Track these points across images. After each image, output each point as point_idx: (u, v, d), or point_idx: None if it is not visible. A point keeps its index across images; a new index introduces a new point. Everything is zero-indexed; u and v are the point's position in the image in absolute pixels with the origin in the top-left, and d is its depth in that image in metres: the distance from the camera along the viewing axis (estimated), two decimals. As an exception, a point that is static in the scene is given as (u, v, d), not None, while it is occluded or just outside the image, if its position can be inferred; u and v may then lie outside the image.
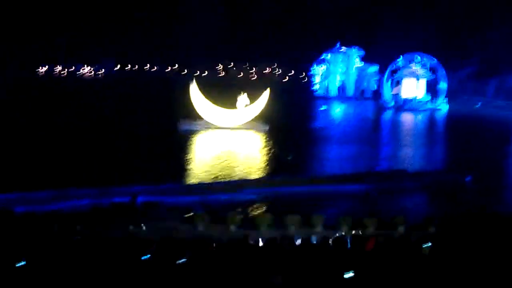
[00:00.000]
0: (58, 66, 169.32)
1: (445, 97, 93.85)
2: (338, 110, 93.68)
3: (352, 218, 23.15)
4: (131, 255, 13.96)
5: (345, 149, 52.26)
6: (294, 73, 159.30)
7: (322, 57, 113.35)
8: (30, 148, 46.07)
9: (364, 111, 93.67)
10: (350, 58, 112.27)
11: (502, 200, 35.08)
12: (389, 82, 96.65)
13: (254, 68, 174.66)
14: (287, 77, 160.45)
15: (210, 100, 61.10)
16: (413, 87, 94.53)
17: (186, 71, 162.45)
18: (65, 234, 15.32)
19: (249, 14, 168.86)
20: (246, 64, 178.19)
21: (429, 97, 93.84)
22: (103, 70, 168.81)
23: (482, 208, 29.86)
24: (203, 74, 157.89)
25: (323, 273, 13.41)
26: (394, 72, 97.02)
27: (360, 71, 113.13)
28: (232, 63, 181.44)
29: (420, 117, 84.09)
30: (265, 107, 61.28)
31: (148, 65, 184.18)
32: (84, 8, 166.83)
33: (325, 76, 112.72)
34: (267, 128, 60.07)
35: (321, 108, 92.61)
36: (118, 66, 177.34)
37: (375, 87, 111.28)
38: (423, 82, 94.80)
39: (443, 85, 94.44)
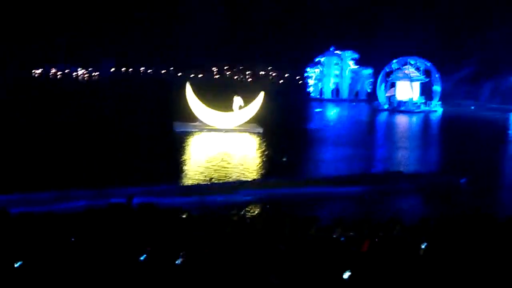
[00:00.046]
0: (53, 69, 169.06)
1: (439, 99, 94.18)
2: (333, 112, 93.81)
3: (347, 220, 23.20)
4: (127, 256, 13.96)
5: (340, 151, 52.37)
6: (289, 75, 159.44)
7: (316, 60, 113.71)
8: (25, 149, 46.02)
9: (358, 113, 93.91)
10: (344, 60, 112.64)
11: (496, 202, 35.23)
12: (383, 85, 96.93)
13: (249, 70, 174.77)
14: (282, 80, 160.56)
15: (205, 103, 61.25)
16: (407, 90, 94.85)
17: (181, 73, 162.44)
18: (61, 235, 15.28)
19: (246, 16, 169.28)
20: (241, 66, 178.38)
21: (423, 100, 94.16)
22: (98, 72, 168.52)
23: (476, 209, 29.94)
24: (198, 76, 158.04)
25: (319, 273, 13.43)
26: (388, 74, 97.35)
27: (355, 73, 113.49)
28: (227, 65, 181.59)
29: (414, 119, 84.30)
30: (260, 109, 61.50)
31: (144, 67, 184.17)
32: (81, 9, 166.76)
33: (319, 79, 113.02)
34: (262, 130, 60.26)
35: (316, 110, 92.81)
36: (113, 68, 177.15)
37: (369, 89, 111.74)
38: (417, 85, 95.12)
39: (437, 88, 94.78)
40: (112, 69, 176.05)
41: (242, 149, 53.56)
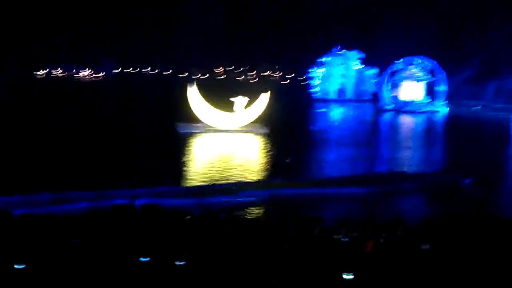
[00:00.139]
0: (58, 69, 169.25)
1: (445, 99, 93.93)
2: (337, 113, 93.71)
3: (351, 221, 23.15)
4: (130, 257, 13.95)
5: (344, 151, 52.28)
6: (293, 75, 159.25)
7: (321, 60, 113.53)
8: (28, 151, 46.07)
9: (363, 113, 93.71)
10: (349, 60, 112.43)
11: (501, 202, 35.10)
12: (389, 85, 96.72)
13: (254, 71, 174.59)
14: (287, 80, 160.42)
15: (210, 103, 61.11)
16: (412, 90, 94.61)
17: (185, 73, 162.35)
18: (65, 236, 15.29)
19: (249, 16, 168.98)
20: (246, 67, 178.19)
21: (429, 100, 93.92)
22: (102, 72, 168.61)
23: (481, 209, 29.85)
24: (203, 76, 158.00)
25: (322, 274, 13.41)
26: (393, 74, 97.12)
27: (360, 73, 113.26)
28: (232, 66, 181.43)
29: (419, 119, 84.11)
30: (265, 110, 61.30)
31: (146, 68, 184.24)
32: (81, 8, 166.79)
33: (324, 79, 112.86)
34: (266, 130, 60.09)
35: (320, 111, 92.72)
36: (118, 69, 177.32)
37: (374, 89, 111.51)
38: (422, 85, 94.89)
39: (442, 88, 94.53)
40: (114, 70, 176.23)
41: (246, 149, 53.48)
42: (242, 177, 39.58)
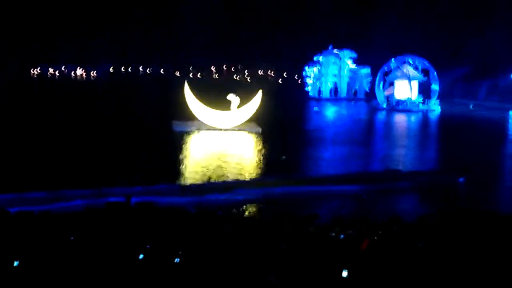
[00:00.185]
0: (51, 68, 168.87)
1: (437, 98, 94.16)
2: (331, 111, 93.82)
3: (346, 219, 23.21)
4: (126, 255, 13.97)
5: (338, 149, 52.39)
6: (288, 74, 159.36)
7: (314, 59, 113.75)
8: (23, 149, 46.00)
9: (357, 112, 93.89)
10: (342, 60, 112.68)
11: (495, 199, 35.29)
12: (382, 84, 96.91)
13: (248, 70, 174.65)
14: (281, 79, 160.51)
15: (204, 102, 61.26)
16: (405, 89, 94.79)
17: (180, 72, 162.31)
18: (60, 234, 15.30)
19: (244, 16, 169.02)
20: (240, 66, 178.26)
21: (422, 99, 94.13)
22: (95, 72, 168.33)
23: (475, 207, 30.00)
24: (198, 75, 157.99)
25: (317, 272, 13.45)
26: (386, 74, 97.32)
27: (353, 72, 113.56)
28: (226, 65, 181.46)
29: (413, 118, 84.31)
30: (258, 109, 61.51)
31: (143, 66, 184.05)
32: (80, 7, 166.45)
33: (317, 78, 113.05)
34: (260, 129, 60.29)
35: (314, 109, 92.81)
36: (112, 68, 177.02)
37: (368, 88, 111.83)
38: (415, 84, 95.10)
39: (435, 87, 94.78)
40: (109, 69, 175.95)
41: (240, 148, 53.56)
42: (237, 175, 39.63)
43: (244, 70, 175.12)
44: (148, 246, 14.58)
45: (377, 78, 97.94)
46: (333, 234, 17.63)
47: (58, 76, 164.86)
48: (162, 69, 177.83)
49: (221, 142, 55.19)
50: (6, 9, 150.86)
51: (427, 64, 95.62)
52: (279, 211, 27.34)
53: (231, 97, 60.89)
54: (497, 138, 63.07)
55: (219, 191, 33.39)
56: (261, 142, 54.52)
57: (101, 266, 13.36)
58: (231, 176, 39.44)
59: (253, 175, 40.27)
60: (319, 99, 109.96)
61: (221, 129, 59.89)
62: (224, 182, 36.98)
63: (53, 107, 79.71)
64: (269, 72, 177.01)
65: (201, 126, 60.37)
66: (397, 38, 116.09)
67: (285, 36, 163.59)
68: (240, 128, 60.69)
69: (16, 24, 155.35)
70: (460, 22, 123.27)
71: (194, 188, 34.65)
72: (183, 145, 52.46)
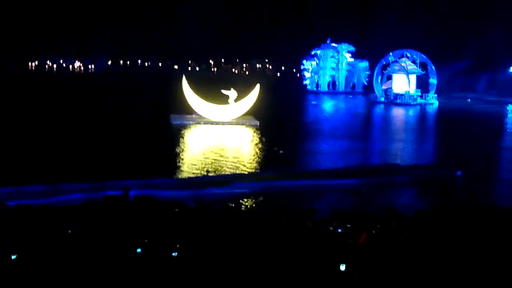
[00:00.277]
0: (49, 61, 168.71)
1: (435, 92, 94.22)
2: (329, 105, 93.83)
3: (344, 212, 23.21)
4: (124, 248, 13.97)
5: (336, 143, 52.36)
6: (286, 68, 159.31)
7: (312, 53, 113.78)
8: (21, 142, 45.94)
9: (355, 105, 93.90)
10: (340, 53, 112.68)
11: (493, 192, 35.31)
12: (380, 78, 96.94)
13: (246, 63, 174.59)
14: (279, 72, 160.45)
15: (202, 96, 61.29)
16: (403, 82, 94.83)
17: (179, 65, 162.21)
18: (59, 227, 15.28)
19: (243, 9, 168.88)
20: (239, 59, 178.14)
21: (420, 92, 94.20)
22: (93, 65, 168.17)
23: (473, 200, 30.04)
24: (196, 69, 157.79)
25: (315, 266, 13.45)
26: (384, 67, 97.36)
27: (351, 66, 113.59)
28: (225, 59, 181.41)
29: (411, 112, 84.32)
30: (256, 102, 61.52)
31: (141, 60, 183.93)
32: (80, 8, 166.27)
33: (315, 71, 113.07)
34: (258, 123, 60.30)
35: (312, 103, 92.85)
36: (111, 61, 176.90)
37: (366, 82, 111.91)
38: (413, 77, 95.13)
39: (433, 81, 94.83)
40: (107, 62, 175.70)
41: (238, 142, 53.53)
42: (234, 169, 39.62)
43: (242, 64, 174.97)
44: (146, 240, 14.57)
45: (375, 72, 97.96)
46: (331, 228, 17.61)
47: (56, 69, 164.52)
48: (160, 63, 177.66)
49: (219, 135, 55.17)
50: (6, 9, 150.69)
51: (425, 58, 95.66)
52: (277, 205, 27.37)
53: (227, 92, 60.96)
54: (495, 131, 63.12)
55: (217, 185, 33.37)
56: (259, 135, 54.50)
57: (99, 259, 13.36)
58: (228, 170, 39.43)
59: (251, 169, 40.25)
60: (317, 93, 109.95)
61: (219, 123, 59.88)
62: (222, 175, 36.97)
63: (50, 101, 79.54)
64: (267, 66, 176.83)
65: (199, 120, 60.38)
66: (396, 31, 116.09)
67: (283, 30, 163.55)
68: (238, 121, 60.72)
69: (16, 24, 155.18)
70: (460, 16, 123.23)
71: (192, 182, 34.63)
72: (181, 139, 52.44)
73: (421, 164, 42.47)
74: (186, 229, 15.60)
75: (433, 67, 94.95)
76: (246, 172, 38.76)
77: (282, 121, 65.83)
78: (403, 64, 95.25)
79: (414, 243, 15.06)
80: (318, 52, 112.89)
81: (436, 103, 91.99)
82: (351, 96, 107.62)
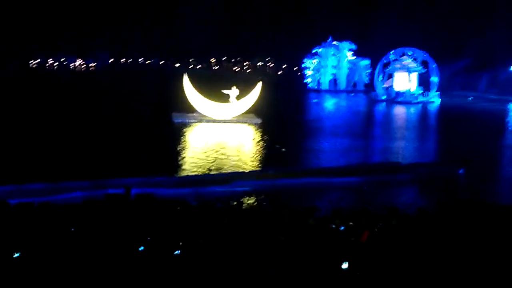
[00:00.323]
0: (50, 60, 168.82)
1: (437, 90, 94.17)
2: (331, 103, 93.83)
3: (346, 210, 23.20)
4: (126, 246, 13.96)
5: (338, 141, 52.32)
6: (287, 66, 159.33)
7: (314, 51, 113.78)
8: (23, 140, 45.95)
9: (356, 104, 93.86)
10: (342, 51, 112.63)
11: (494, 190, 35.28)
12: (381, 76, 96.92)
13: (248, 62, 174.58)
14: (280, 71, 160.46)
15: (203, 94, 61.29)
16: (405, 80, 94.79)
17: (180, 63, 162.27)
18: (61, 225, 15.28)
19: (244, 8, 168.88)
20: (240, 57, 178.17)
21: (421, 90, 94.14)
22: (94, 63, 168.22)
23: (475, 198, 30.01)
24: (197, 67, 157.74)
25: (317, 264, 13.44)
26: (386, 65, 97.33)
27: (352, 64, 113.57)
28: (226, 57, 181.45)
29: (412, 110, 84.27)
30: (258, 100, 61.53)
31: (142, 58, 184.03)
32: (80, 8, 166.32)
33: (317, 70, 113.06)
34: (259, 121, 60.32)
35: (314, 101, 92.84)
36: (112, 59, 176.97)
37: (367, 80, 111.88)
38: (414, 75, 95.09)
39: (434, 79, 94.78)
40: (108, 60, 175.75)
41: (240, 140, 53.51)
42: (236, 167, 39.61)
43: (243, 62, 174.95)
44: (148, 238, 14.56)
45: (377, 70, 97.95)
46: (333, 226, 17.60)
47: (57, 67, 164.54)
48: (161, 61, 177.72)
49: (221, 134, 55.15)
50: (6, 9, 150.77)
51: (426, 56, 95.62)
52: (279, 203, 27.36)
53: (228, 91, 61.00)
54: (497, 130, 63.06)
55: (219, 183, 33.35)
56: (261, 134, 54.49)
57: (101, 258, 13.35)
58: (230, 168, 39.41)
59: (253, 167, 40.23)
60: (318, 91, 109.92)
61: (220, 121, 59.87)
62: (223, 174, 36.94)
63: (51, 99, 79.56)
64: (268, 64, 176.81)
65: (201, 118, 60.39)
66: (396, 29, 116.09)
67: (284, 30, 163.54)
68: (239, 119, 60.71)
69: (16, 24, 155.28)
70: (461, 14, 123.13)
71: (194, 180, 34.61)
72: (183, 137, 52.43)
73: (422, 162, 42.41)
74: (188, 228, 15.59)
75: (435, 65, 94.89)
76: (247, 170, 38.74)
77: (283, 119, 65.82)
78: (404, 62, 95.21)
79: (416, 241, 15.04)
80: (320, 50, 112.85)
81: (437, 101, 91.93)
82: (352, 94, 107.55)
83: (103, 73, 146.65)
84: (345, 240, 15.39)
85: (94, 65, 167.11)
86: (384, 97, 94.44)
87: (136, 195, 21.90)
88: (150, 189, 28.76)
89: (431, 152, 50.60)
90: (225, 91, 61.03)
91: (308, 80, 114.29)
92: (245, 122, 60.25)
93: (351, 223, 17.81)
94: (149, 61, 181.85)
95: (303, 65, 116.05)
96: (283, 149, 45.99)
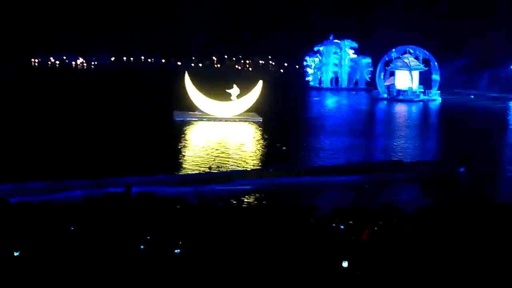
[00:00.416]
0: (52, 58, 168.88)
1: (438, 88, 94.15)
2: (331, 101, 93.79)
3: (347, 209, 23.19)
4: (126, 245, 13.96)
5: (339, 140, 52.29)
6: (288, 64, 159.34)
7: (315, 49, 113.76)
8: (23, 139, 45.95)
9: (357, 102, 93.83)
10: (343, 50, 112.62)
11: (496, 189, 35.25)
12: (382, 74, 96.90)
13: (249, 60, 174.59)
14: (282, 69, 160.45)
15: (205, 92, 61.31)
16: (406, 79, 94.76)
17: (181, 62, 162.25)
18: (61, 224, 15.28)
19: (246, 6, 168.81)
20: (241, 56, 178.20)
21: (423, 89, 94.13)
22: (95, 62, 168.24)
23: (476, 197, 29.97)
24: (199, 65, 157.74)
25: (318, 263, 13.43)
26: (387, 63, 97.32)
27: (354, 62, 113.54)
28: (227, 55, 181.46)
29: (413, 108, 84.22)
30: (259, 99, 61.51)
31: (144, 56, 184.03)
32: (80, 8, 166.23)
33: (318, 68, 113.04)
34: (261, 119, 60.32)
35: (316, 99, 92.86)
36: (113, 58, 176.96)
37: (368, 78, 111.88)
38: (416, 74, 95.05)
39: (435, 77, 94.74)
40: (110, 58, 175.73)
41: (241, 138, 53.49)
42: (237, 166, 39.60)
43: (245, 61, 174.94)
44: (148, 236, 14.56)
45: (378, 68, 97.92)
46: (334, 225, 17.59)
47: (58, 65, 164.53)
48: (162, 59, 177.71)
49: (222, 132, 55.14)
50: (6, 9, 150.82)
51: (428, 54, 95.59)
52: (279, 202, 27.36)
53: (230, 90, 61.04)
54: (498, 128, 63.01)
55: (219, 182, 33.34)
56: (262, 132, 54.49)
57: (101, 256, 13.35)
58: (231, 166, 39.40)
59: (254, 166, 40.22)
60: (319, 89, 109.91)
61: (221, 119, 59.86)
62: (224, 172, 36.92)
63: (52, 97, 79.57)
64: (269, 62, 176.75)
65: (202, 116, 60.39)
66: (398, 27, 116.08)
67: (284, 30, 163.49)
68: (240, 118, 60.69)
69: (16, 24, 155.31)
70: (462, 13, 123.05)
71: (195, 178, 34.59)
72: (184, 135, 52.42)
73: (424, 160, 42.37)
74: (189, 226, 15.59)
75: (436, 64, 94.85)
76: (248, 169, 38.72)
77: (284, 118, 65.79)
78: (405, 61, 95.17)
79: (416, 240, 15.03)
80: (321, 48, 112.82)
81: (438, 99, 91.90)
82: (353, 93, 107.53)
83: (104, 71, 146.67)
84: (345, 239, 15.38)
85: (95, 64, 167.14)
86: (385, 95, 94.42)
87: (137, 193, 21.91)
88: (151, 187, 28.79)
89: (432, 150, 50.57)
90: (228, 91, 61.06)
91: (310, 78, 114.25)
92: (246, 121, 60.25)
93: (351, 222, 17.81)
94: (151, 59, 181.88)
95: (304, 63, 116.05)
96: (284, 148, 45.98)
